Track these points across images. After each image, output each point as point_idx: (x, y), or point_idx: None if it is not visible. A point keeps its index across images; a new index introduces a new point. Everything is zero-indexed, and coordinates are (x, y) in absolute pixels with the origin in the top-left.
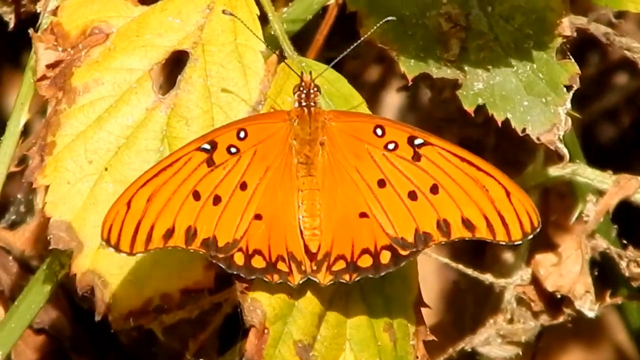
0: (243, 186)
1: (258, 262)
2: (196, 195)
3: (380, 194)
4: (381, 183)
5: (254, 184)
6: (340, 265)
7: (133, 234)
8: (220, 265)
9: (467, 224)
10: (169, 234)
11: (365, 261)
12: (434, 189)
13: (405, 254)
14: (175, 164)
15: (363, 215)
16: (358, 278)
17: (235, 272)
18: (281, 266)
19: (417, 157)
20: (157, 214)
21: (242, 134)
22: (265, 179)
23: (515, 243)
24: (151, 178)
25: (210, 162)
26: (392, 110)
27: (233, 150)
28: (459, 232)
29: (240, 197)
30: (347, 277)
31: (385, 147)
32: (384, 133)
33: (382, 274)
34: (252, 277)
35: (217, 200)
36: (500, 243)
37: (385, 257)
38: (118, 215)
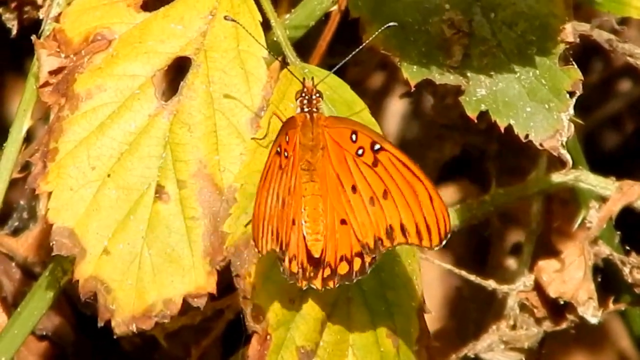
0: (289, 191)
1: (294, 267)
2: (278, 198)
3: (353, 199)
4: (354, 189)
5: (294, 188)
6: (327, 272)
7: (261, 236)
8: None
9: (403, 229)
10: (274, 236)
11: (343, 268)
12: (385, 194)
13: (369, 261)
14: (270, 166)
15: (343, 222)
16: (337, 285)
17: (287, 279)
18: (302, 272)
19: (375, 162)
20: (268, 217)
21: (287, 138)
22: (296, 183)
23: (435, 248)
24: (264, 181)
25: (280, 166)
26: (395, 117)
27: (286, 154)
28: (398, 238)
29: (289, 201)
30: (331, 283)
31: (356, 152)
32: (356, 139)
33: (354, 280)
34: (291, 282)
35: (283, 203)
36: (423, 248)
37: (357, 263)
38: (255, 219)
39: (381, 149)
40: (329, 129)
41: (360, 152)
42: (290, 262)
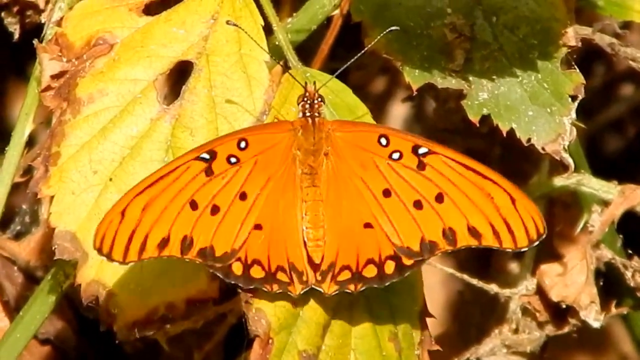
0: (242, 196)
1: (257, 272)
2: (193, 205)
3: (385, 203)
4: (386, 193)
5: (254, 194)
6: (346, 275)
7: (126, 243)
8: (218, 274)
9: (473, 232)
10: (164, 243)
11: (370, 271)
12: (439, 198)
13: (409, 264)
14: (173, 173)
15: (368, 225)
16: (363, 288)
17: (233, 282)
18: (281, 276)
19: (421, 166)
20: (152, 223)
21: (242, 144)
22: (266, 189)
23: (522, 250)
24: (147, 187)
25: (208, 172)
26: (398, 121)
27: (233, 160)
28: (465, 241)
29: (239, 207)
30: (352, 287)
31: (390, 156)
32: (388, 142)
33: (387, 283)
34: (251, 287)
35: (215, 210)
36: (507, 250)
37: (390, 267)
38: (111, 224)
39: (430, 152)
40: (342, 133)
41: (396, 156)
42: (247, 267)
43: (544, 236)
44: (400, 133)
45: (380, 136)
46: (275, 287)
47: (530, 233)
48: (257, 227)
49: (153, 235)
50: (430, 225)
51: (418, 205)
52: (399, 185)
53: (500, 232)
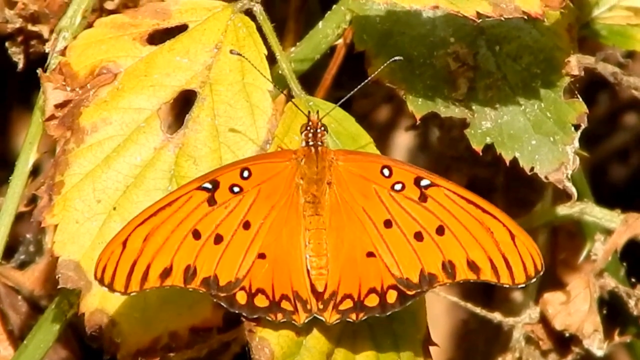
0: (246, 225)
1: (261, 301)
2: (196, 234)
3: (386, 234)
4: (387, 223)
5: (258, 223)
6: (348, 304)
7: (128, 274)
8: (222, 304)
9: (472, 265)
10: (167, 273)
11: (372, 300)
12: (440, 230)
13: (411, 294)
14: (175, 203)
15: (370, 254)
16: (365, 317)
17: (237, 311)
18: (285, 305)
19: (423, 197)
20: (154, 253)
21: (245, 174)
22: (269, 217)
23: (519, 286)
24: (149, 217)
25: (211, 201)
26: (402, 150)
27: (236, 189)
28: (463, 274)
29: (242, 236)
30: (353, 316)
31: (392, 187)
32: (391, 173)
33: (389, 313)
34: (255, 316)
35: (218, 239)
36: (504, 286)
37: (392, 296)
38: (113, 255)
39: (432, 184)
40: (345, 163)
41: (398, 187)
42: (251, 297)
43: (541, 273)
44: (403, 164)
45: (383, 167)
46: (280, 316)
47: (528, 270)
48: (261, 256)
49: (155, 265)
50: (430, 258)
51: (419, 237)
52: (400, 216)
53: (498, 267)
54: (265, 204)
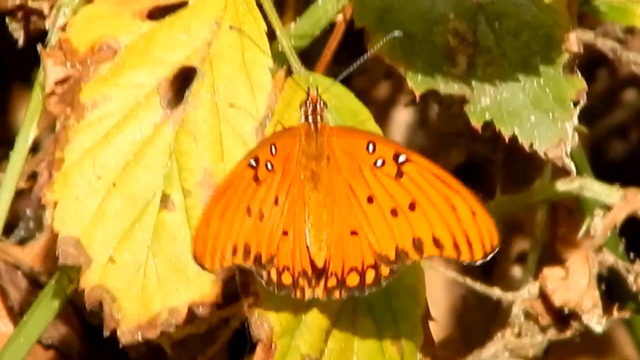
0: (276, 202)
1: (287, 279)
2: (249, 212)
3: (369, 210)
4: (370, 200)
5: (282, 199)
6: (332, 282)
7: (211, 253)
8: (263, 283)
9: (437, 242)
10: (234, 251)
11: (353, 279)
12: (412, 206)
13: (386, 274)
14: (235, 181)
15: (354, 233)
16: (345, 296)
17: (271, 289)
18: (302, 282)
19: (399, 174)
20: (226, 232)
21: (273, 150)
22: (289, 194)
23: (477, 263)
24: (220, 197)
25: (256, 179)
26: (401, 127)
27: (269, 166)
28: (429, 251)
29: (275, 212)
30: (337, 293)
31: (375, 163)
32: (374, 149)
33: (366, 293)
34: (282, 293)
35: (261, 216)
36: (463, 262)
37: (370, 276)
38: (201, 235)
39: (407, 160)
40: (337, 138)
41: (379, 163)
42: (279, 274)
43: (496, 250)
44: (385, 140)
45: (369, 142)
46: (299, 294)
47: (486, 246)
48: (285, 233)
49: (227, 244)
50: (403, 234)
51: (394, 213)
52: (379, 193)
53: (459, 243)
54: (286, 180)
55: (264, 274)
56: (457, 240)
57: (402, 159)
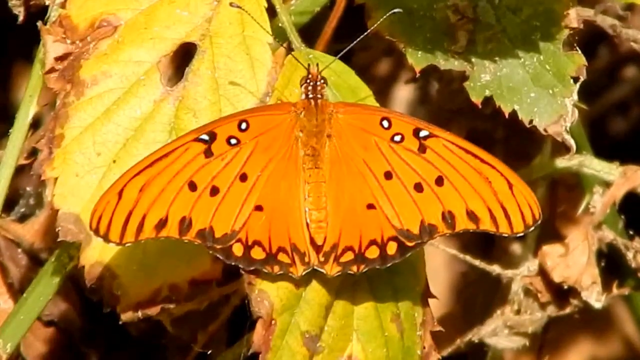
0: (243, 177)
1: (257, 254)
2: (192, 186)
3: (387, 185)
4: (388, 175)
5: (255, 175)
6: (349, 256)
7: (123, 224)
8: (218, 256)
9: (472, 215)
10: (162, 224)
11: (373, 252)
12: (439, 181)
13: (411, 245)
14: (171, 154)
15: (370, 206)
16: (365, 269)
17: (234, 263)
18: (282, 257)
19: (422, 149)
20: (149, 204)
21: (243, 125)
22: (267, 170)
23: (518, 235)
24: (145, 168)
25: (208, 153)
26: (402, 103)
27: (233, 141)
28: (463, 224)
29: (239, 188)
30: (354, 268)
31: (392, 139)
32: (390, 125)
33: (389, 264)
34: (252, 268)
35: (214, 191)
36: (503, 235)
37: (392, 248)
38: (108, 205)
39: (431, 135)
40: (345, 115)
41: (397, 138)
42: (247, 248)
43: (539, 222)
44: (402, 116)
45: (383, 119)
46: (277, 269)
47: (527, 218)
48: (258, 208)
49: (151, 216)
50: (430, 208)
51: (418, 188)
52: (400, 168)
53: (497, 216)
54: (262, 156)
55: (219, 248)
56: (495, 213)
57: (423, 134)
